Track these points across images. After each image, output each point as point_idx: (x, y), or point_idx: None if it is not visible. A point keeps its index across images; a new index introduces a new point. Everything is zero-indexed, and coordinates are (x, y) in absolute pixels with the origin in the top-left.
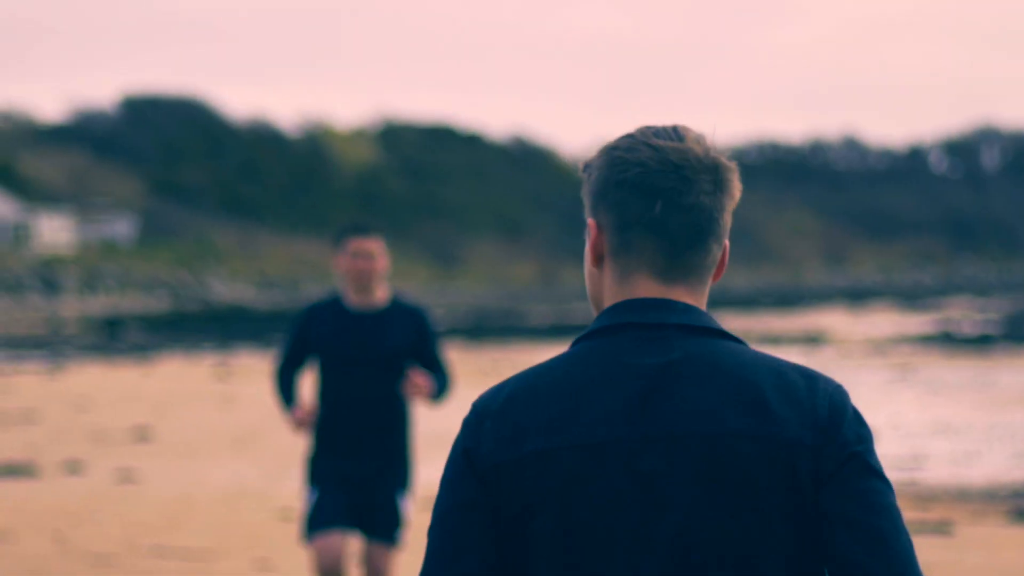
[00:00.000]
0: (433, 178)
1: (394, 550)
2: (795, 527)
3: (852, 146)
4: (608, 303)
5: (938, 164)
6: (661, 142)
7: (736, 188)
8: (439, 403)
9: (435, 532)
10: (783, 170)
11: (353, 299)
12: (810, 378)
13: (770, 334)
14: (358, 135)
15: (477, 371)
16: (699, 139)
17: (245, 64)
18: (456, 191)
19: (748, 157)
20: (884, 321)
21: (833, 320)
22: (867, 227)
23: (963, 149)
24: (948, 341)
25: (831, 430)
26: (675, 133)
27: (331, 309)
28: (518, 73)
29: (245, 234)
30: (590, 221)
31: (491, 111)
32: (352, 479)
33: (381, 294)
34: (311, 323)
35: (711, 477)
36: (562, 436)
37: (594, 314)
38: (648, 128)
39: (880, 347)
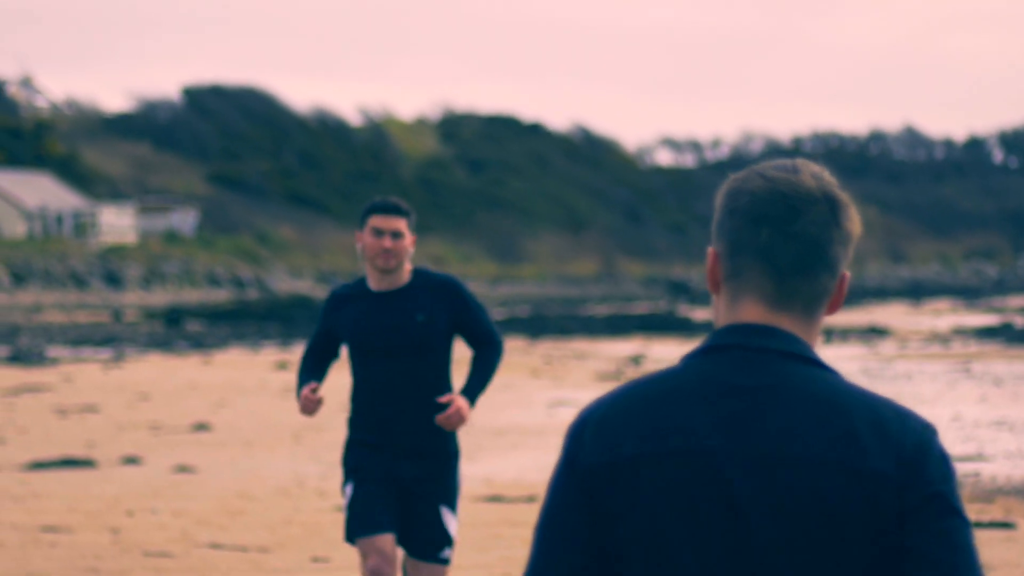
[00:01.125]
0: (495, 168)
1: (444, 571)
2: (871, 559)
3: (912, 137)
4: (719, 323)
5: (997, 156)
6: (775, 174)
7: (850, 222)
8: (489, 382)
9: (540, 533)
10: (843, 162)
11: (376, 281)
12: (900, 414)
13: (832, 327)
14: (420, 124)
15: (528, 369)
16: (815, 173)
17: (306, 56)
18: (518, 182)
19: (808, 148)
20: (945, 317)
21: (894, 314)
22: (927, 221)
23: (1023, 142)
24: (1010, 336)
25: (917, 467)
26: (791, 166)
27: (355, 294)
28: (580, 64)
29: (306, 225)
30: (709, 249)
31: (553, 103)
32: (391, 477)
33: (405, 272)
34: (335, 310)
35: (795, 503)
36: (656, 443)
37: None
38: (769, 163)
39: (942, 341)
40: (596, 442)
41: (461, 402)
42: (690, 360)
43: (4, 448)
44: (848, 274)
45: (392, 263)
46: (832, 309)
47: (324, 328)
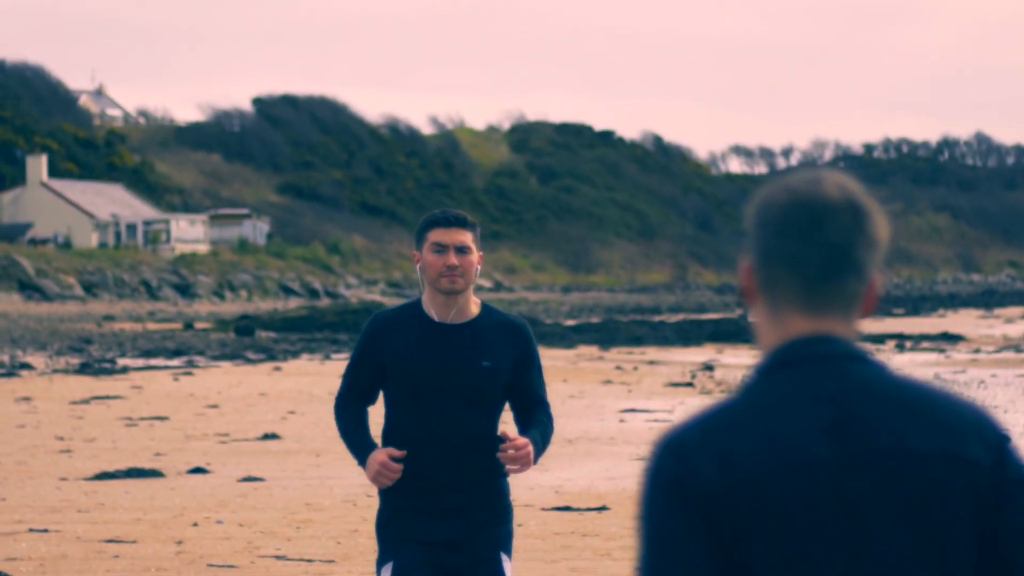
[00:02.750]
0: (566, 177)
1: None
2: (977, 543)
3: (983, 143)
4: (765, 335)
5: None
6: (799, 186)
7: (876, 227)
8: (546, 447)
9: (652, 566)
10: (915, 169)
11: (439, 308)
12: (970, 404)
13: (905, 334)
14: (491, 133)
15: (599, 377)
16: (838, 183)
17: (377, 66)
18: (589, 190)
19: (880, 157)
20: (1018, 323)
21: (966, 321)
22: (999, 228)
23: None
24: None
25: (1004, 454)
26: (815, 178)
27: (408, 321)
28: (651, 75)
29: (377, 235)
30: (743, 262)
31: (624, 113)
32: (438, 544)
33: (472, 303)
34: (382, 339)
35: (907, 497)
36: (769, 460)
37: (759, 343)
38: (792, 175)
39: (1015, 348)
40: (705, 464)
41: (526, 442)
42: (762, 379)
43: (71, 458)
44: (879, 278)
45: (460, 283)
46: (865, 312)
47: (369, 356)
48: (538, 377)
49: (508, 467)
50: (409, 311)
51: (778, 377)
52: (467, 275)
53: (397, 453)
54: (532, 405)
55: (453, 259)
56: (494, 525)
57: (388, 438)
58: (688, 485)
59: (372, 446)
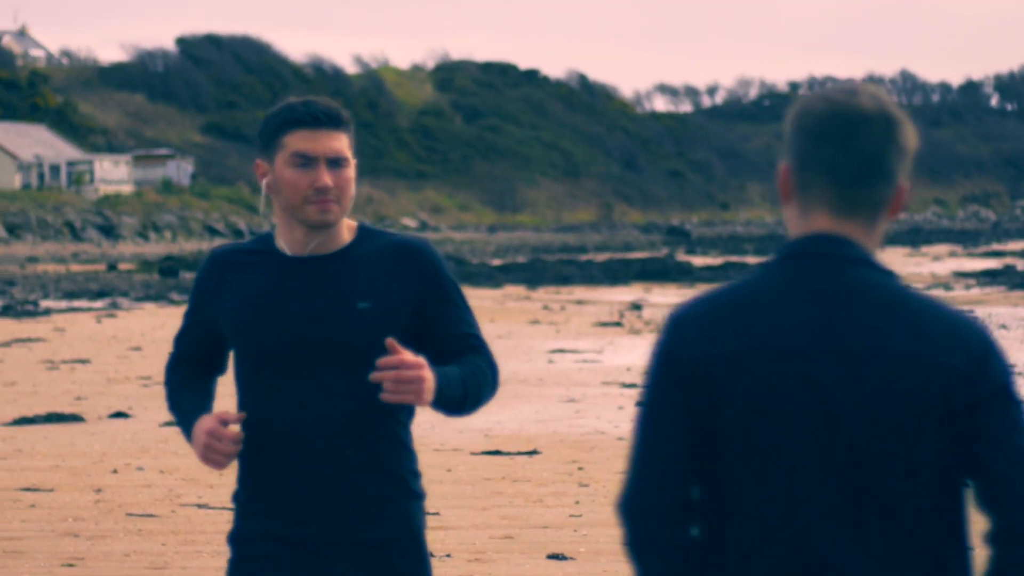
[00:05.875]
0: (492, 116)
1: None
2: (945, 442)
3: (908, 82)
4: (792, 231)
5: (994, 101)
6: (836, 96)
7: (905, 137)
8: (465, 410)
9: (642, 428)
10: None
11: (296, 239)
12: (961, 314)
13: None
14: (416, 72)
15: (526, 317)
16: (872, 94)
17: (301, 6)
18: (515, 129)
19: (805, 95)
20: (945, 261)
21: (894, 259)
22: (924, 166)
23: (1018, 86)
24: (1012, 280)
25: (983, 363)
26: (851, 89)
27: (253, 259)
28: (576, 14)
29: None
30: (780, 164)
31: (549, 52)
32: (309, 566)
33: (344, 227)
34: (215, 286)
35: (878, 392)
36: (751, 341)
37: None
38: (830, 85)
39: (943, 286)
40: (694, 338)
41: (423, 366)
42: (769, 268)
43: None
44: (906, 184)
45: (334, 212)
46: (893, 214)
47: (200, 312)
48: (461, 312)
49: (385, 392)
50: (256, 246)
51: (785, 267)
52: (343, 199)
53: (231, 416)
54: (459, 350)
55: (326, 177)
56: (398, 557)
57: (243, 429)
58: (675, 356)
59: (201, 412)
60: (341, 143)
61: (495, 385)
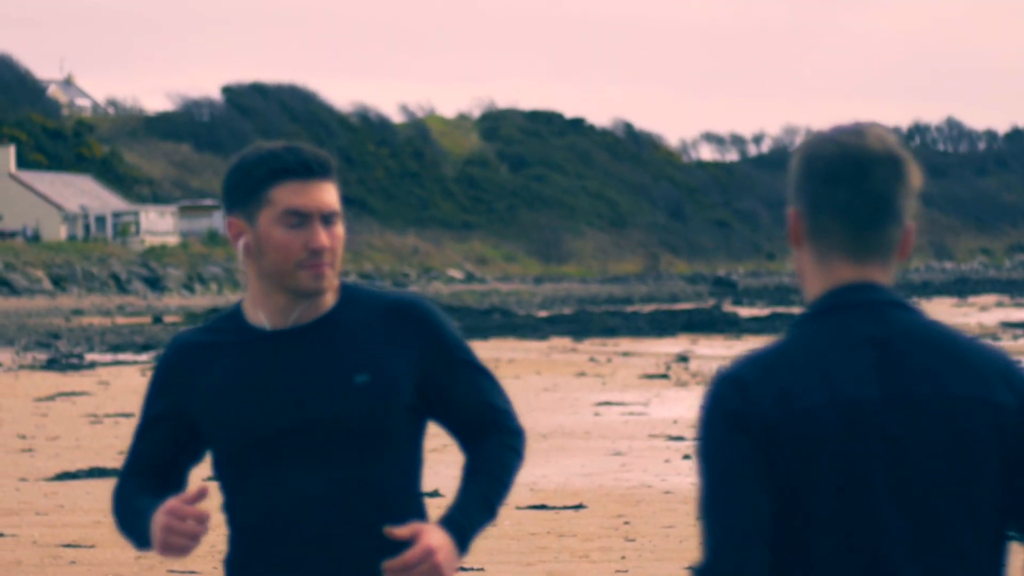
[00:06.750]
0: (537, 165)
1: None
2: (999, 477)
3: (954, 129)
4: (810, 281)
5: None
6: (844, 138)
7: (912, 176)
8: (500, 498)
9: (718, 495)
10: None
11: (275, 308)
12: (999, 350)
13: None
14: (462, 120)
15: (572, 370)
16: (878, 135)
17: (347, 54)
18: (561, 179)
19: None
20: (992, 312)
21: (940, 310)
22: (970, 215)
23: None
24: None
25: None
26: (857, 130)
27: (222, 341)
28: (621, 62)
29: (348, 225)
30: (790, 209)
31: (595, 100)
32: None
33: (329, 294)
34: (181, 378)
35: (941, 435)
36: (822, 395)
37: (801, 287)
38: (836, 127)
39: (991, 336)
40: (762, 401)
41: (437, 537)
42: (812, 323)
43: (32, 458)
44: (913, 225)
45: (329, 277)
46: (902, 256)
47: (162, 410)
48: (474, 375)
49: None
50: (225, 324)
51: (827, 320)
52: (337, 261)
53: (192, 495)
54: (482, 425)
55: (322, 237)
56: None
57: (231, 528)
58: (749, 417)
59: (153, 508)
60: (333, 196)
61: (521, 456)
